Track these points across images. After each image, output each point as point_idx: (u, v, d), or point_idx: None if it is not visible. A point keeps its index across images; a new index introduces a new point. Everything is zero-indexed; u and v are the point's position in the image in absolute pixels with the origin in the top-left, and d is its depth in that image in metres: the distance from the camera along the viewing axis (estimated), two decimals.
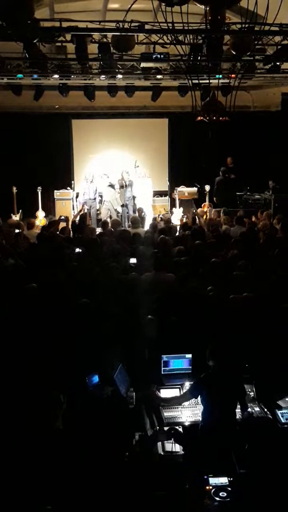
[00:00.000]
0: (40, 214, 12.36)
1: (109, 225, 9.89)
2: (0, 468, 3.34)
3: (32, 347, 4.73)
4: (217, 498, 3.27)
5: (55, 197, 13.08)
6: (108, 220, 11.41)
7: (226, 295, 5.78)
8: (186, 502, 3.26)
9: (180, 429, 4.12)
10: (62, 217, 11.67)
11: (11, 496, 3.15)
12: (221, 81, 9.61)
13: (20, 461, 3.47)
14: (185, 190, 13.11)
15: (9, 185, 11.91)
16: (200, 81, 7.79)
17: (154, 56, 8.42)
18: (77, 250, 7.84)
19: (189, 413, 4.50)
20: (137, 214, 11.22)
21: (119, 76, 10.59)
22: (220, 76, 9.86)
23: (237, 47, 7.43)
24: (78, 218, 10.15)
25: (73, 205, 13.04)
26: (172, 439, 3.75)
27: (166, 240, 8.16)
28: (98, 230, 10.23)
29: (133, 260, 7.36)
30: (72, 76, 10.70)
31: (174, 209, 12.69)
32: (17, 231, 9.13)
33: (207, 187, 12.76)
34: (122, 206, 12.53)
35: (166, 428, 3.95)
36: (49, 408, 3.86)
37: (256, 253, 7.46)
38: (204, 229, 9.08)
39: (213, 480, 3.40)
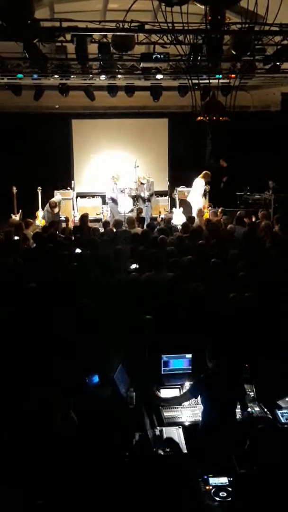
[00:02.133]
0: (40, 214, 12.35)
1: (110, 225, 9.89)
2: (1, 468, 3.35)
3: (31, 347, 4.73)
4: (217, 498, 3.27)
5: None
6: (109, 220, 11.43)
7: (226, 295, 5.77)
8: (185, 502, 3.26)
9: (177, 438, 4.08)
10: (62, 217, 11.68)
11: (12, 495, 3.15)
12: (221, 81, 9.61)
13: (20, 461, 3.47)
14: (185, 190, 13.10)
15: (9, 185, 11.90)
16: (200, 81, 7.78)
17: (154, 56, 8.41)
18: (77, 250, 7.83)
19: (189, 413, 4.50)
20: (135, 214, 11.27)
21: (119, 76, 10.59)
22: (220, 76, 9.86)
23: (237, 47, 7.42)
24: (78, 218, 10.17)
25: (73, 205, 13.03)
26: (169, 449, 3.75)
27: (166, 240, 8.17)
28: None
29: (133, 266, 7.30)
30: (72, 76, 10.70)
31: (174, 209, 12.69)
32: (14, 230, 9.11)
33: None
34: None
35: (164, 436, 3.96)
36: (49, 409, 3.86)
37: (256, 253, 7.47)
38: (202, 229, 9.09)
39: (213, 480, 3.41)
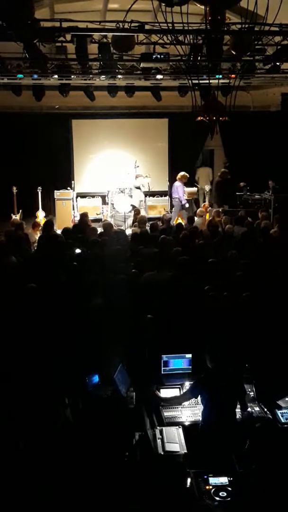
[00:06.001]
0: (40, 214, 12.36)
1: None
2: (3, 467, 3.36)
3: (31, 347, 4.73)
4: (217, 498, 3.28)
5: (55, 197, 13.08)
6: (109, 219, 11.46)
7: (226, 295, 5.77)
8: (185, 502, 3.27)
9: (177, 437, 4.08)
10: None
11: (13, 495, 3.16)
12: (221, 81, 9.61)
13: (21, 460, 3.48)
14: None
15: (9, 185, 11.90)
16: (200, 81, 7.78)
17: (154, 56, 8.42)
18: (78, 250, 7.82)
19: (189, 413, 4.50)
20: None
21: (119, 76, 10.59)
22: (220, 76, 9.86)
23: (237, 47, 7.43)
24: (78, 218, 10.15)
25: (73, 205, 13.04)
26: None
27: (167, 240, 8.17)
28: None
29: None
30: (72, 76, 10.71)
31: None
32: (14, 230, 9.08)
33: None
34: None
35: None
36: (51, 409, 3.87)
37: (256, 253, 7.47)
38: (198, 229, 9.09)
39: (213, 480, 3.41)
